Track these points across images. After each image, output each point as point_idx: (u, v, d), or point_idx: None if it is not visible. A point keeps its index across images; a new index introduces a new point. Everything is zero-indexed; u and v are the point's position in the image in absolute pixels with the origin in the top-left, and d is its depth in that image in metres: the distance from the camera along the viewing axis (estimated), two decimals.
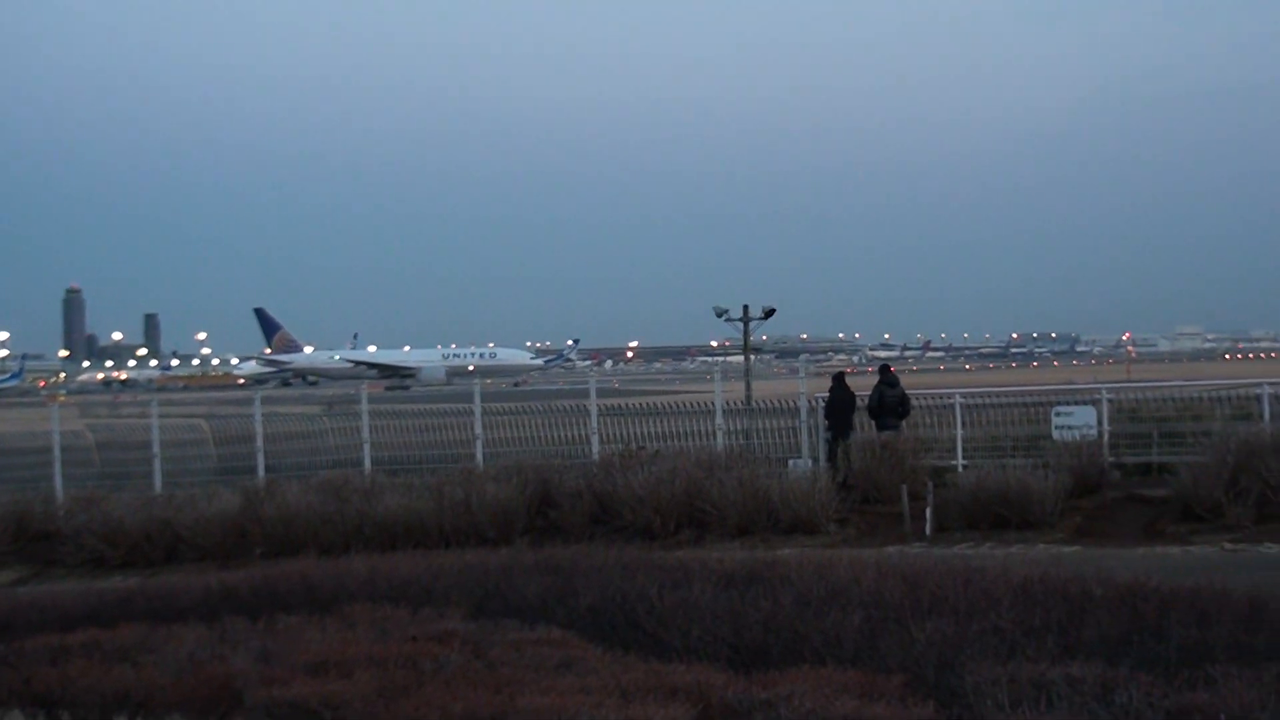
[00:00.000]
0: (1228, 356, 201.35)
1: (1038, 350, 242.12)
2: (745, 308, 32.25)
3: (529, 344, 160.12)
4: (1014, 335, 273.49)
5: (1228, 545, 20.23)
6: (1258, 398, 26.90)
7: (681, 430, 29.82)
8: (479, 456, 29.16)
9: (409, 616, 12.60)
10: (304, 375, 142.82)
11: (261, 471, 29.84)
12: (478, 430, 29.97)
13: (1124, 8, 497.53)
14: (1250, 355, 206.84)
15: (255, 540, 24.55)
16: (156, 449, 31.12)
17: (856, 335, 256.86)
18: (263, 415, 31.66)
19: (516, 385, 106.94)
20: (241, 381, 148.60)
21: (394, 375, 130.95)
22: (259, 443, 30.70)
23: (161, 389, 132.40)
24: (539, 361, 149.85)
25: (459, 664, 10.59)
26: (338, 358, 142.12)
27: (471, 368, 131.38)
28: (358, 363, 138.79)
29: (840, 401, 27.22)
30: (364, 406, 31.22)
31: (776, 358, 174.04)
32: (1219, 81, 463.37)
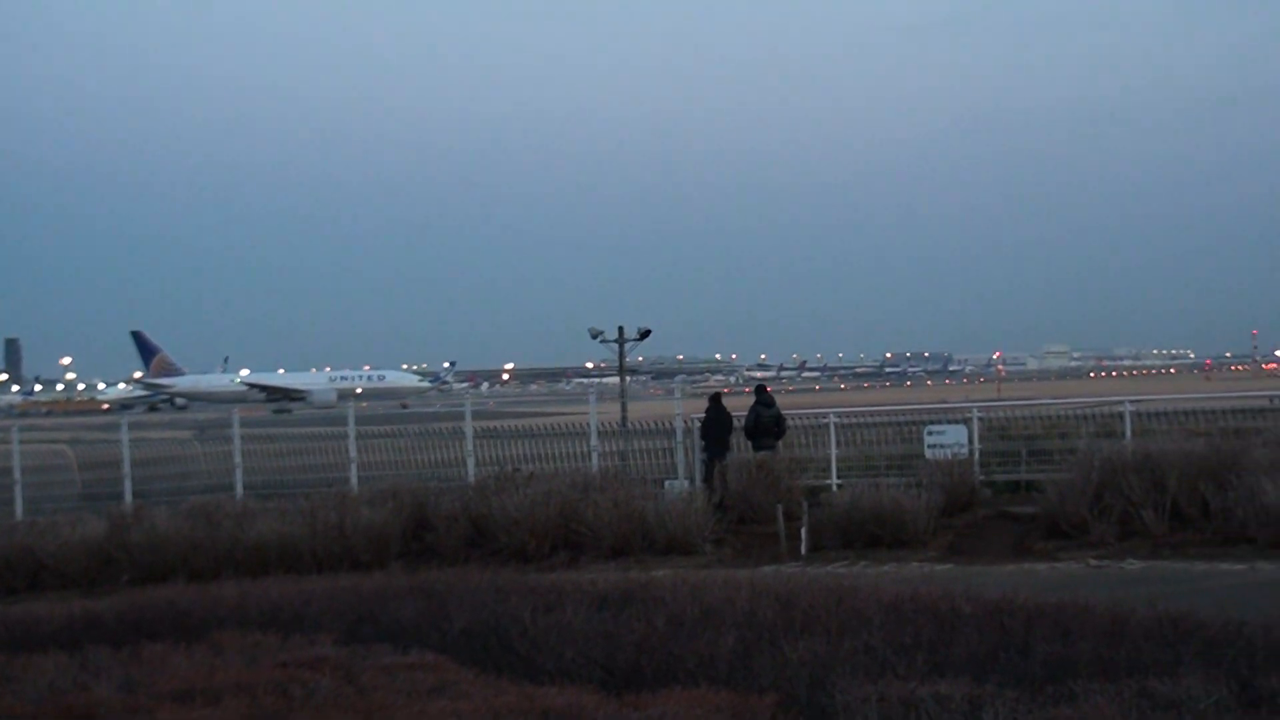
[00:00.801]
0: (1093, 375, 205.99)
1: (911, 369, 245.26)
2: (620, 329, 32.32)
3: (404, 366, 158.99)
4: (888, 355, 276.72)
5: (1092, 562, 20.52)
6: (1120, 415, 27.50)
7: (557, 452, 29.78)
8: (354, 480, 28.94)
9: (279, 642, 12.43)
10: (173, 399, 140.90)
11: (129, 497, 29.30)
12: (352, 453, 29.75)
13: (987, 31, 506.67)
14: (1114, 373, 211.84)
15: (122, 567, 24.07)
16: (18, 475, 30.40)
17: (733, 356, 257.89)
18: (131, 440, 31.11)
19: (404, 407, 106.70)
20: (106, 406, 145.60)
21: (285, 398, 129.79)
22: (126, 468, 30.15)
23: (23, 414, 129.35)
24: (426, 384, 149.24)
25: (330, 690, 10.46)
26: (238, 380, 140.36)
27: (359, 390, 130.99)
28: (253, 385, 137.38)
29: (716, 422, 27.36)
30: (235, 430, 30.80)
31: (653, 379, 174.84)
32: (1080, 101, 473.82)
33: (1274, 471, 20.83)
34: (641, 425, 30.19)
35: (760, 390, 28.52)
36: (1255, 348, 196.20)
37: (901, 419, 30.32)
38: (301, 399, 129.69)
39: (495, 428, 34.70)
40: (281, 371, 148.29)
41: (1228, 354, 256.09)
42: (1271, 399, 29.50)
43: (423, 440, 31.88)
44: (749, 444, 27.31)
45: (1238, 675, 9.27)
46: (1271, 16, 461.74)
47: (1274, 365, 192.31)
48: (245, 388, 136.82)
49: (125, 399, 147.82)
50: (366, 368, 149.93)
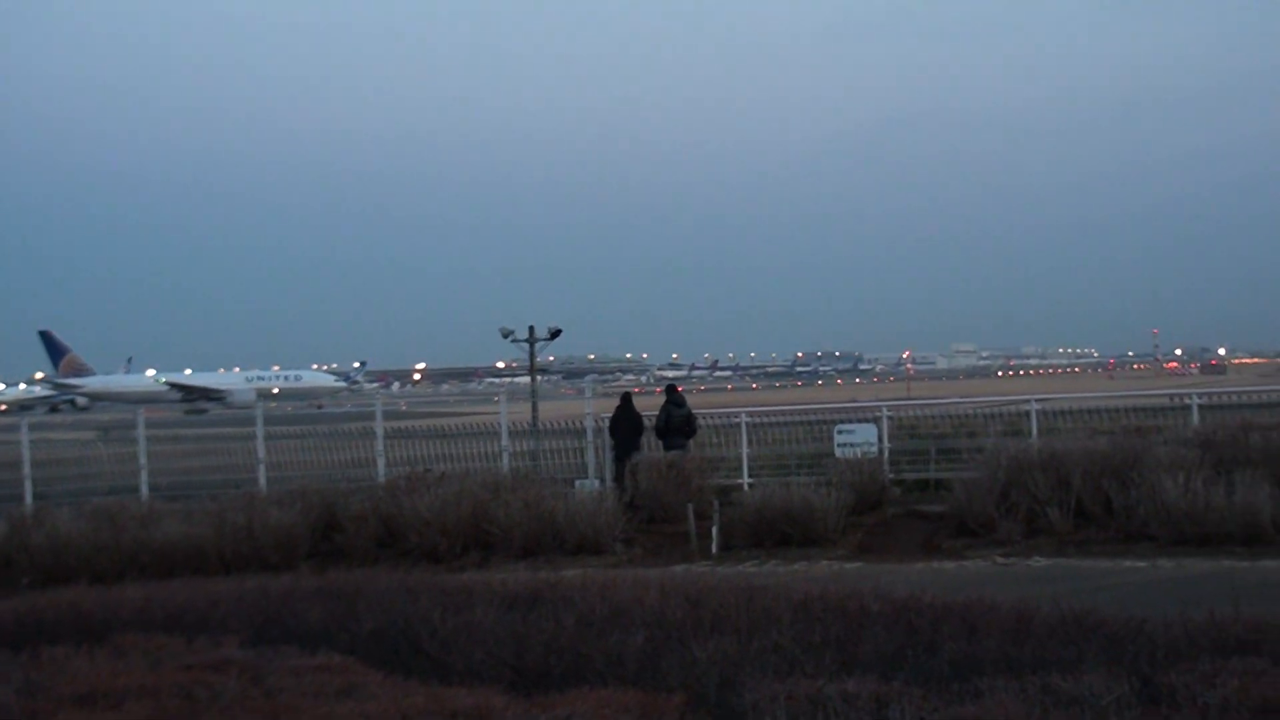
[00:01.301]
0: (1000, 374, 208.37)
1: (822, 369, 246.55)
2: (531, 329, 32.24)
3: (314, 366, 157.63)
4: (799, 354, 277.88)
5: (999, 559, 20.74)
6: (1027, 414, 27.76)
7: (469, 452, 29.68)
8: (262, 481, 28.68)
9: (184, 645, 12.26)
10: (74, 400, 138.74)
11: (30, 499, 28.81)
12: (260, 454, 29.47)
13: (913, 35, 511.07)
14: (1021, 372, 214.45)
15: (22, 569, 23.68)
16: None
17: (644, 355, 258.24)
18: (32, 441, 30.58)
19: (320, 408, 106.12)
20: (3, 407, 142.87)
21: (203, 399, 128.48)
22: (26, 469, 29.65)
23: None
24: (343, 384, 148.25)
25: (236, 692, 10.35)
26: (162, 380, 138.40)
27: (276, 390, 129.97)
28: (173, 385, 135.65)
29: (626, 421, 27.41)
30: (141, 431, 30.38)
31: (564, 378, 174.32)
32: (997, 106, 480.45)
33: (1174, 470, 21.16)
34: (553, 425, 30.16)
35: (671, 390, 28.60)
36: (1156, 347, 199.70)
37: (812, 418, 30.41)
38: (220, 399, 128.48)
39: (406, 428, 34.57)
40: (188, 372, 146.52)
41: (1130, 353, 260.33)
42: (1172, 397, 29.98)
43: (333, 441, 31.65)
44: (660, 443, 27.36)
45: (1139, 672, 9.39)
46: (1176, 26, 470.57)
47: (1174, 365, 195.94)
48: (167, 387, 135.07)
49: (24, 400, 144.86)
50: (275, 368, 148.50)
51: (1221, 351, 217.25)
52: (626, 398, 28.42)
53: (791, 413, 31.74)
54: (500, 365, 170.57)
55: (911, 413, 31.41)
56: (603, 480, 27.00)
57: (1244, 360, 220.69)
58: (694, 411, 28.21)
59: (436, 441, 30.80)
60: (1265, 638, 10.08)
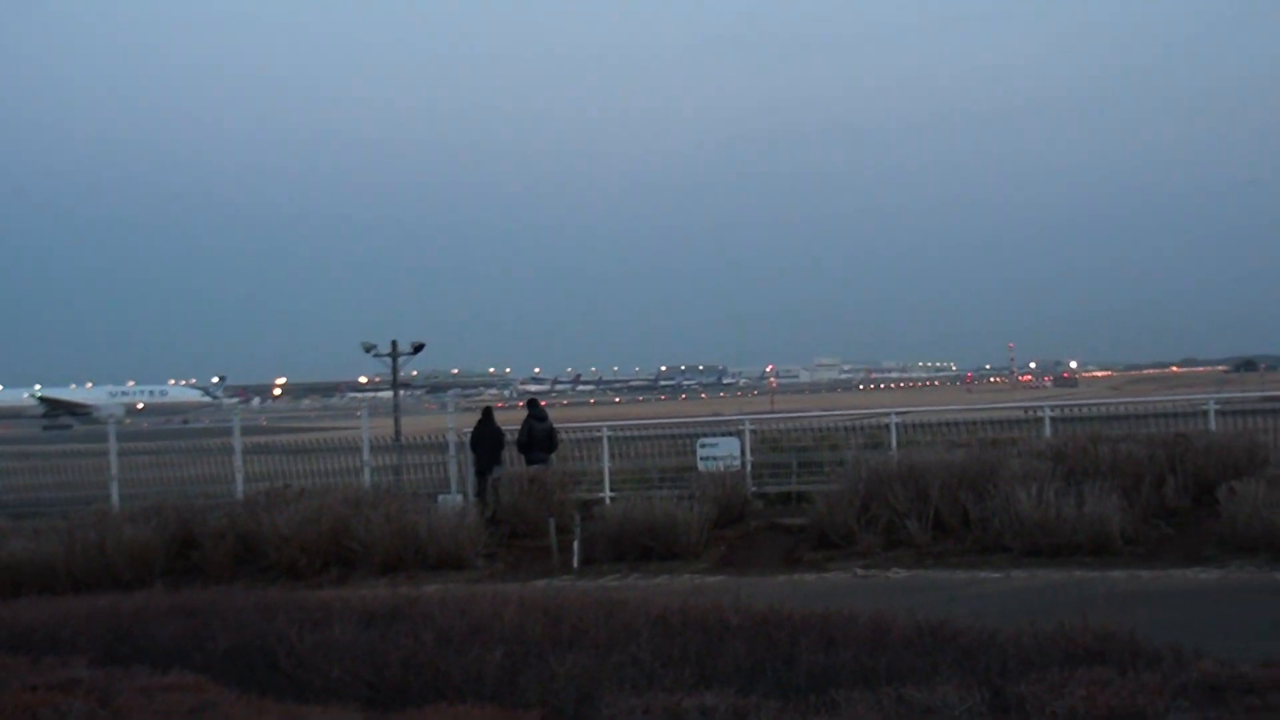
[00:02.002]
0: (862, 387, 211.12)
1: (686, 383, 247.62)
2: (394, 343, 31.93)
3: (171, 381, 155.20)
4: (663, 368, 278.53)
5: (859, 571, 20.91)
6: (887, 427, 27.99)
7: (330, 468, 29.30)
8: (115, 497, 28.11)
9: (30, 665, 11.97)
10: None
11: None
12: (113, 470, 28.86)
13: (761, 52, 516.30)
14: (882, 385, 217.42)
15: None
16: None
17: (507, 370, 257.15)
18: None
19: (185, 423, 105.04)
20: None
21: (69, 414, 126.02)
22: None
23: None
24: (208, 398, 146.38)
25: (82, 713, 10.11)
26: (34, 394, 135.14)
27: (141, 405, 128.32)
28: (42, 399, 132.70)
29: (488, 436, 27.27)
30: None
31: (427, 393, 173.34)
32: (844, 121, 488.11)
33: (1028, 481, 21.48)
34: (415, 440, 29.92)
35: (533, 404, 28.49)
36: (1012, 360, 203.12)
37: (675, 432, 30.50)
38: (87, 414, 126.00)
39: (266, 443, 34.08)
40: (38, 387, 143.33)
41: (988, 366, 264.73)
42: (1026, 410, 30.45)
43: (191, 456, 31.05)
44: (522, 458, 27.26)
45: (990, 682, 9.56)
46: (1029, 40, 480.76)
47: (1028, 377, 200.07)
48: (36, 402, 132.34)
49: None
50: (130, 383, 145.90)
51: (1073, 364, 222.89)
52: (488, 412, 28.25)
53: (654, 426, 31.77)
54: (363, 380, 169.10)
55: (774, 426, 31.51)
56: (465, 495, 26.85)
57: (1094, 374, 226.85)
58: (556, 426, 28.16)
59: (297, 457, 30.38)
60: (1111, 647, 10.31)
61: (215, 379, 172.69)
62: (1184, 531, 21.33)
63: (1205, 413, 26.42)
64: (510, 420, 28.86)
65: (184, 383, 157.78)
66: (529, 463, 27.00)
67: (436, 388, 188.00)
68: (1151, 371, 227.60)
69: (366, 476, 27.98)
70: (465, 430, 28.18)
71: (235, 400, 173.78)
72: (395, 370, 32.11)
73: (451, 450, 28.13)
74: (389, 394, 34.01)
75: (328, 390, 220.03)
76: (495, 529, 24.33)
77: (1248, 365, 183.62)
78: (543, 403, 29.58)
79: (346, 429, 41.63)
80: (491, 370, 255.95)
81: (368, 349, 32.23)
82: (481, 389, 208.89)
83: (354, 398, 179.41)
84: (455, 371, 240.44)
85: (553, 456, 27.51)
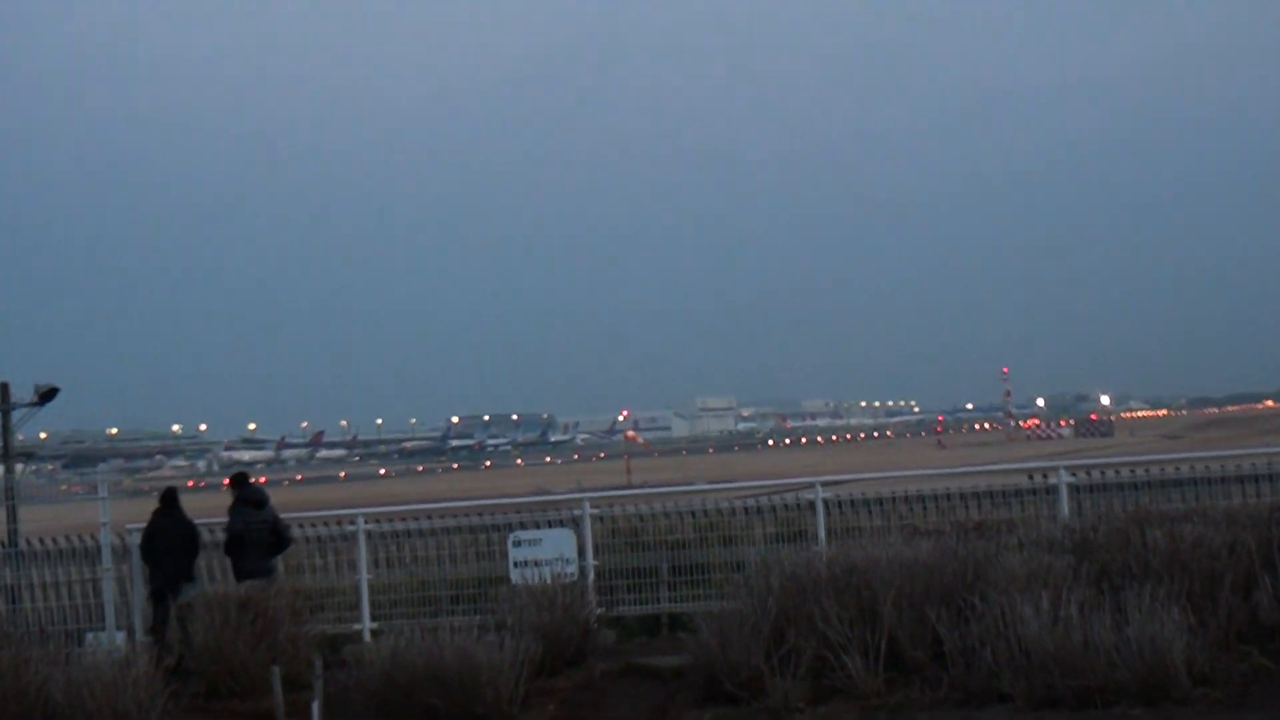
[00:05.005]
0: (772, 442, 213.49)
1: (492, 442, 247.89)
2: (4, 387, 31.30)
3: None
4: (454, 420, 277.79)
5: None
6: (811, 505, 28.28)
7: None
8: None
9: None
10: None
11: None
12: None
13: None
14: (802, 439, 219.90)
15: None
16: None
17: (201, 427, 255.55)
18: None
19: None
20: None
21: None
22: None
23: None
24: None
25: None
26: None
27: None
28: None
29: (171, 535, 27.13)
30: None
31: (65, 466, 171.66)
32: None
33: (1036, 588, 21.36)
34: (46, 544, 29.54)
35: (242, 481, 28.07)
36: (1007, 395, 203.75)
37: (474, 521, 30.18)
38: None
39: None
40: None
41: (968, 406, 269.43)
42: (1031, 474, 30.33)
43: None
44: (229, 567, 27.25)
45: None
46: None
47: (1034, 422, 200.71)
48: None
49: None
50: None
51: (1105, 400, 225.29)
52: (170, 498, 28.11)
53: (440, 512, 31.48)
54: None
55: (632, 508, 31.20)
56: (132, 632, 26.80)
57: (1138, 413, 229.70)
58: (282, 515, 27.96)
59: None
60: None
61: None
62: None
63: None
64: (209, 509, 28.50)
65: None
66: (240, 576, 26.87)
67: (83, 458, 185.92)
68: (1231, 409, 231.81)
69: None
70: (133, 527, 27.93)
71: None
72: (7, 430, 31.43)
73: (108, 560, 27.93)
74: None
75: None
76: (184, 685, 24.16)
77: None
78: (260, 479, 29.22)
79: None
80: (176, 428, 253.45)
81: None
82: (158, 459, 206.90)
83: None
84: (114, 432, 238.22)
85: (278, 563, 27.51)
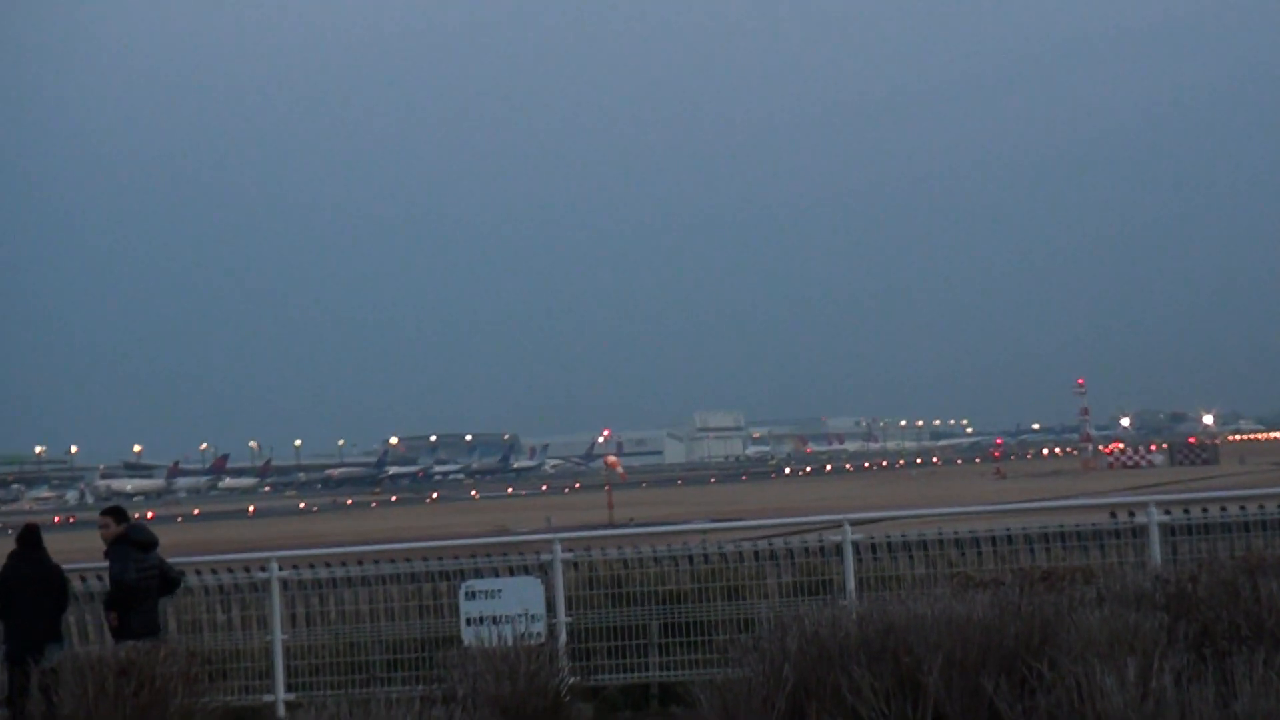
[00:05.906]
0: (789, 469, 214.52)
1: (440, 468, 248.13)
2: None
3: None
4: (391, 442, 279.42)
5: None
6: (838, 548, 27.73)
7: None
8: None
9: None
10: None
11: None
12: None
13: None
14: (827, 466, 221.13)
15: None
16: None
17: (72, 450, 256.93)
18: None
19: None
20: None
21: None
22: None
23: None
24: None
25: None
26: None
27: None
28: None
29: (31, 583, 26.40)
30: None
31: None
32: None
33: (1119, 653, 20.68)
34: None
35: (120, 515, 26.99)
36: (1084, 413, 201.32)
37: (417, 567, 29.84)
38: None
39: None
40: None
41: (1034, 426, 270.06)
42: (1113, 511, 29.33)
43: None
44: (103, 623, 26.71)
45: None
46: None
47: (1119, 446, 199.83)
48: None
49: None
50: None
51: (1207, 420, 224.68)
52: (30, 537, 27.21)
53: (376, 556, 31.03)
54: None
55: (614, 551, 30.71)
56: None
57: (1247, 436, 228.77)
58: (169, 561, 27.28)
59: None
60: None
61: None
62: None
63: None
64: (80, 553, 27.09)
65: None
66: (121, 634, 25.92)
67: None
68: None
69: None
70: None
71: None
72: None
73: None
74: None
75: None
76: None
77: None
78: (148, 515, 28.00)
79: None
80: (39, 450, 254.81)
81: None
82: (18, 489, 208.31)
83: None
84: None
85: (168, 615, 27.12)
